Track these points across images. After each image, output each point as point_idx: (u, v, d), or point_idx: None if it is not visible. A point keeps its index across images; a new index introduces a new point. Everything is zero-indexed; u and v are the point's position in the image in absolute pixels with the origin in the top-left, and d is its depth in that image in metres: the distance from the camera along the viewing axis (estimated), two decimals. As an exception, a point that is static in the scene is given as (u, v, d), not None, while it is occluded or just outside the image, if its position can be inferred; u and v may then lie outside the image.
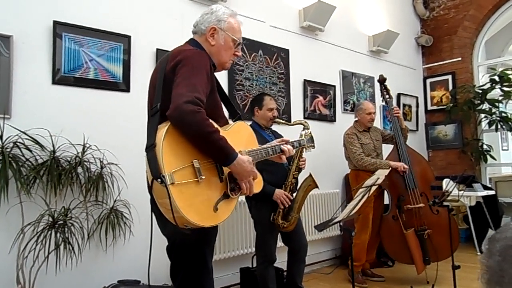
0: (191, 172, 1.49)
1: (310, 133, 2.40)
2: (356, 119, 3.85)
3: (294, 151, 2.01)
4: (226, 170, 1.61)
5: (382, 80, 3.96)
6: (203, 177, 1.51)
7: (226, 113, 1.90)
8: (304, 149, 2.43)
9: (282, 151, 1.92)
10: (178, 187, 1.42)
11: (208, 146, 1.52)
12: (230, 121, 1.89)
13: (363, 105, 3.80)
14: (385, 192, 3.79)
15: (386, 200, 3.84)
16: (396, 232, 3.52)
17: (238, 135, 1.77)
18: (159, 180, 1.39)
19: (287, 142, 1.98)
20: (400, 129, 3.76)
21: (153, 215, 1.72)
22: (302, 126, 2.77)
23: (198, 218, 1.46)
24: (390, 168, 3.36)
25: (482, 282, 0.80)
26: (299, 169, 2.84)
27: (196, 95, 1.49)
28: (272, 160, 1.94)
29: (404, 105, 5.70)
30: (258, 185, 1.75)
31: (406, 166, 3.55)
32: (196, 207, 1.48)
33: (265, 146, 1.90)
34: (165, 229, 1.69)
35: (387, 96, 3.93)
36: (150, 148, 1.47)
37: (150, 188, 1.53)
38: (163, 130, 1.47)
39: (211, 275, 1.75)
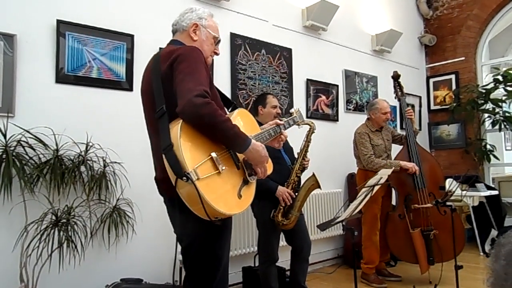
0: (211, 165, 1.51)
1: (298, 109, 2.42)
2: (368, 117, 3.79)
3: (287, 133, 2.07)
4: (240, 157, 1.65)
5: (396, 76, 3.92)
6: (224, 168, 1.54)
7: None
8: (298, 126, 2.44)
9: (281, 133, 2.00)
10: (204, 181, 1.44)
11: (223, 134, 1.54)
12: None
13: (378, 104, 3.72)
14: (393, 192, 3.78)
15: (394, 201, 3.82)
16: (402, 230, 3.51)
17: (242, 122, 1.80)
18: (184, 178, 1.40)
19: (279, 124, 2.03)
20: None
21: (168, 215, 1.76)
22: (308, 127, 2.88)
23: (227, 208, 1.50)
24: (393, 168, 3.33)
25: (487, 285, 0.81)
26: (303, 168, 2.87)
27: (204, 88, 1.51)
28: (269, 145, 1.97)
29: (407, 105, 5.67)
30: (269, 168, 1.80)
31: (417, 168, 3.51)
32: (223, 197, 1.51)
33: (266, 129, 1.95)
34: (186, 229, 1.66)
35: (400, 93, 3.89)
36: (168, 148, 1.46)
37: (168, 188, 1.54)
38: (176, 128, 1.48)
39: (227, 278, 1.75)
